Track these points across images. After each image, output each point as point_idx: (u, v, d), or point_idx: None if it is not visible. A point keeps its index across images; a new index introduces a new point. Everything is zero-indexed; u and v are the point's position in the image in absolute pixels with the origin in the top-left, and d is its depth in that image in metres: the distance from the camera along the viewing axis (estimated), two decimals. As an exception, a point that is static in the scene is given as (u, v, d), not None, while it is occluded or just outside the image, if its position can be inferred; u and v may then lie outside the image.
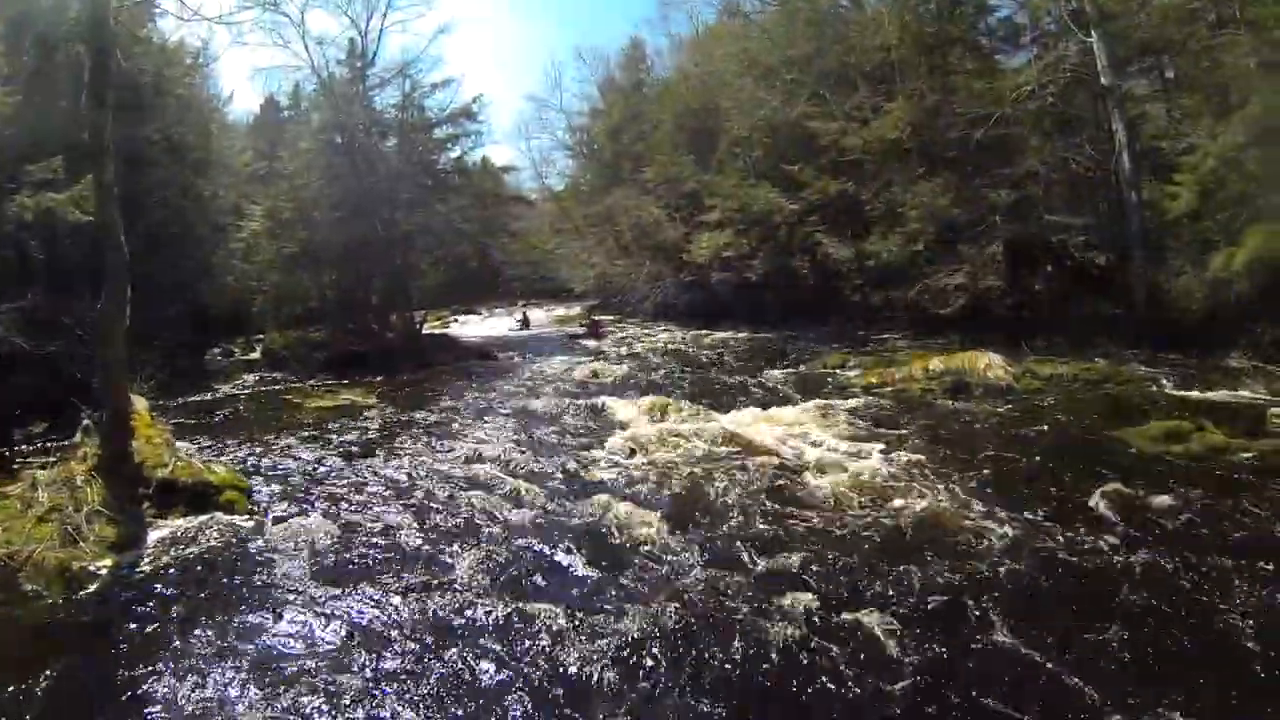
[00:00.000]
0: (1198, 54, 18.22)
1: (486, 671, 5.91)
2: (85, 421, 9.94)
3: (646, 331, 31.98)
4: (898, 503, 9.27)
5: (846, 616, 6.50)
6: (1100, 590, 6.82)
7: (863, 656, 5.95)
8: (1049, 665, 5.70)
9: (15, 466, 11.24)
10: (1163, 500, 8.77)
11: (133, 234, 9.42)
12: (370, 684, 5.76)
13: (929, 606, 6.67)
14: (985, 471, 10.22)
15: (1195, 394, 14.29)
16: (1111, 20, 21.19)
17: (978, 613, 6.52)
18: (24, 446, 13.08)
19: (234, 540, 8.75)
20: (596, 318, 34.12)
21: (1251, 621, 6.14)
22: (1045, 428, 12.62)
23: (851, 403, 14.95)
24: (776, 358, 22.35)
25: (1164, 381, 15.29)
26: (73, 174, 14.90)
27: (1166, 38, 20.22)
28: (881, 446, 11.62)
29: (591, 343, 29.21)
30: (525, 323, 40.98)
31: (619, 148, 47.28)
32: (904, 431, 12.63)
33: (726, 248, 31.94)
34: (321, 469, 11.87)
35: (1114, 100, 20.75)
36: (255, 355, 28.05)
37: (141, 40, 20.00)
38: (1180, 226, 17.88)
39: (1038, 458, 11.01)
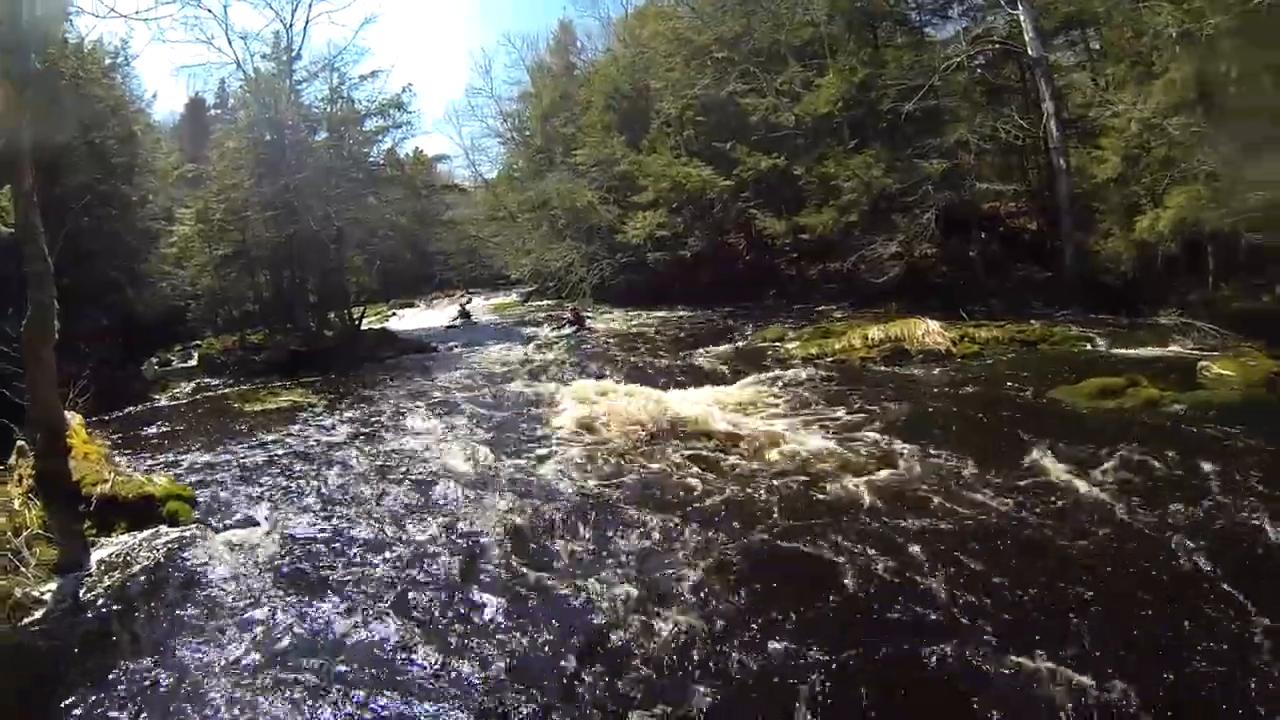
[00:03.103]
0: (1120, 25, 18.55)
1: (434, 674, 5.91)
2: (19, 443, 9.68)
3: (585, 315, 31.84)
4: (836, 469, 9.45)
5: (780, 585, 6.69)
6: (1040, 543, 7.04)
7: (794, 622, 6.10)
8: (988, 625, 5.84)
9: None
10: (1099, 454, 9.03)
11: (55, 243, 9.12)
12: (320, 694, 5.72)
13: (863, 570, 6.80)
14: (924, 434, 10.39)
15: (1126, 352, 14.76)
16: (1038, -7, 21.64)
17: (912, 571, 6.69)
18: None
19: (179, 554, 8.56)
20: (578, 309, 31.09)
21: (1187, 565, 6.43)
22: (983, 390, 12.93)
23: (791, 374, 15.10)
24: (715, 334, 22.56)
25: (1097, 341, 15.76)
26: (-5, 185, 14.41)
27: (1091, 10, 20.61)
28: (821, 416, 11.83)
29: (586, 335, 26.60)
30: (465, 315, 37.58)
31: (550, 132, 46.94)
32: (843, 400, 12.81)
33: (661, 227, 31.85)
34: (264, 473, 11.66)
35: (1041, 70, 21.21)
36: (193, 363, 27.41)
37: (56, 40, 19.36)
38: (1108, 191, 18.27)
39: (977, 418, 11.31)
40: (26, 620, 7.20)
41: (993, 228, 23.83)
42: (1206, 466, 8.41)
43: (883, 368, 15.25)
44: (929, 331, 16.06)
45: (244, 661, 6.23)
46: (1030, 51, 21.27)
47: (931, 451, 9.71)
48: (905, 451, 9.80)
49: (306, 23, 29.61)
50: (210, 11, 29.85)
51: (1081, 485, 8.21)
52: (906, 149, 23.23)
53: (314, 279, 27.88)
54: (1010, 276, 21.74)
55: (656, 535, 8.02)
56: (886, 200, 23.17)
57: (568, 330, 26.75)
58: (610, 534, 8.23)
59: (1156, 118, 16.14)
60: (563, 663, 5.93)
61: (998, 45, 22.70)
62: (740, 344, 20.22)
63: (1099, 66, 22.04)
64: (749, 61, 29.37)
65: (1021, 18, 21.30)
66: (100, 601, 7.56)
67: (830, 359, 16.35)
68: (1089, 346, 15.56)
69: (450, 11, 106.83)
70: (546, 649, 6.13)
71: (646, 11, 41.01)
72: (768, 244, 29.62)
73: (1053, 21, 22.14)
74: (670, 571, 7.21)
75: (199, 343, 29.27)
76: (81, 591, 7.74)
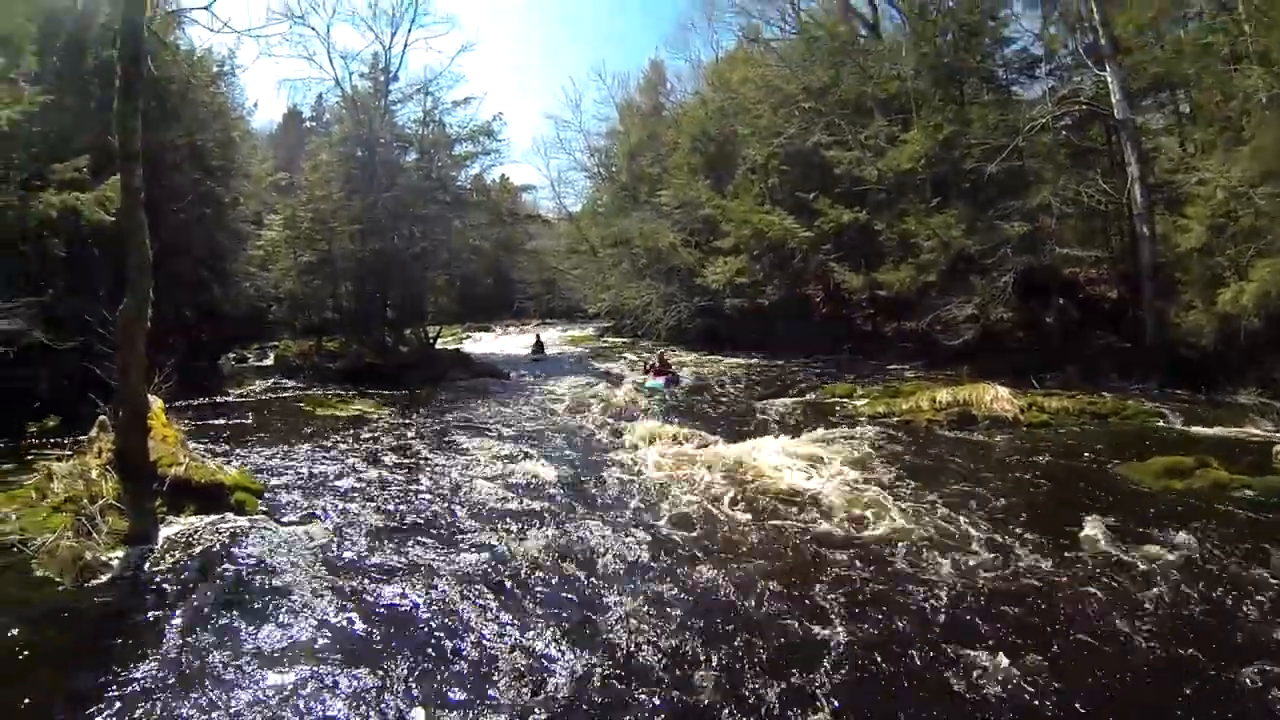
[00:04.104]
0: (1210, 88, 18.28)
1: (491, 674, 6.02)
2: (101, 417, 10.11)
3: (672, 359, 31.86)
4: (894, 531, 9.31)
5: (831, 641, 6.57)
6: (1091, 622, 6.82)
7: (842, 681, 6.00)
8: (1036, 696, 5.73)
9: (29, 458, 11.42)
10: (1159, 535, 8.72)
11: (153, 237, 9.53)
12: (374, 685, 5.85)
13: (913, 633, 6.71)
14: (984, 503, 10.22)
15: (1200, 430, 14.24)
16: (1126, 54, 21.36)
17: (964, 642, 6.54)
18: (37, 440, 13.28)
19: (243, 539, 8.89)
20: (666, 355, 26.89)
21: (1240, 656, 6.16)
22: (1048, 461, 12.56)
23: (857, 432, 14.96)
24: (786, 385, 22.48)
25: (1170, 417, 15.21)
26: (98, 174, 15.15)
27: (1180, 71, 20.33)
28: (882, 476, 11.66)
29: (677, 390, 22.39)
30: (540, 348, 35.73)
31: (636, 170, 47.52)
32: (906, 461, 12.66)
33: (740, 274, 32.06)
34: (331, 475, 12.04)
35: (1127, 133, 20.84)
36: (268, 362, 28.44)
37: (169, 47, 20.31)
38: (1190, 260, 17.85)
39: (1038, 490, 11.04)
40: (93, 583, 7.57)
41: (1072, 294, 23.40)
42: (1270, 558, 8.06)
43: (947, 432, 14.99)
44: (997, 398, 15.80)
45: (292, 649, 6.43)
46: (1117, 114, 20.94)
47: (985, 521, 9.53)
48: (958, 519, 9.61)
49: (405, 46, 30.92)
50: (314, 30, 31.27)
51: (1138, 570, 7.87)
52: (988, 210, 22.95)
53: (394, 294, 28.58)
54: (1087, 345, 21.26)
55: (701, 581, 7.95)
56: (965, 261, 22.91)
57: (656, 383, 22.64)
58: (663, 570, 8.29)
59: (1243, 186, 15.80)
60: (600, 680, 6.01)
61: (1084, 106, 22.43)
62: (810, 397, 20.07)
63: (1188, 130, 21.70)
64: (835, 113, 29.44)
65: (1109, 79, 21.01)
66: (163, 574, 7.89)
67: (896, 419, 16.13)
68: (1161, 423, 15.01)
69: (543, 44, 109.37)
70: (584, 663, 6.23)
71: (736, 56, 41.46)
72: (845, 298, 29.58)
73: (1141, 82, 21.73)
74: (711, 620, 7.28)
75: (276, 344, 30.39)
76: (147, 563, 8.08)
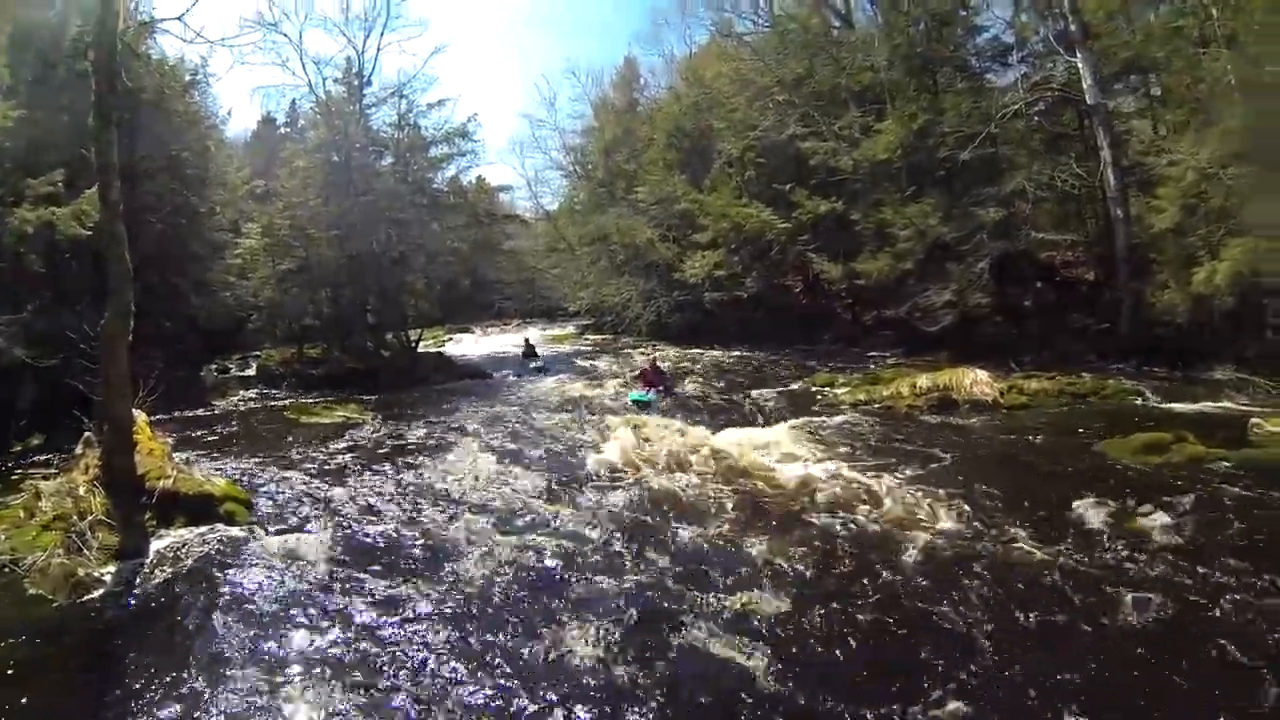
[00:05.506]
0: (1179, 71, 18.47)
1: (477, 681, 6.03)
2: (86, 433, 10.08)
3: (641, 351, 31.77)
4: (877, 515, 9.39)
5: (814, 627, 6.64)
6: (1074, 598, 6.89)
7: (821, 666, 6.07)
8: (1022, 675, 5.80)
9: (15, 478, 11.39)
10: (1140, 508, 8.82)
11: (130, 250, 9.51)
12: (365, 695, 5.87)
13: (898, 617, 6.77)
14: (965, 485, 10.27)
15: (1178, 406, 14.39)
16: (1097, 40, 21.51)
17: (947, 622, 6.62)
18: (22, 459, 13.24)
19: (234, 550, 8.88)
20: (657, 360, 23.25)
21: (1225, 627, 6.24)
22: (1027, 441, 12.73)
23: (837, 420, 15.07)
24: (767, 377, 22.53)
25: (1148, 395, 15.38)
26: (73, 188, 15.06)
27: (1151, 56, 20.51)
28: (863, 461, 11.77)
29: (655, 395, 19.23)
30: (532, 351, 31.03)
31: (612, 166, 47.41)
32: (887, 447, 12.76)
33: (718, 267, 32.14)
34: (318, 483, 12.00)
35: (1099, 118, 21.02)
36: (251, 372, 28.24)
37: (141, 58, 20.17)
38: (1165, 241, 18.04)
39: (1018, 469, 11.18)
40: (87, 598, 7.60)
41: (1048, 277, 23.65)
42: (1243, 528, 8.17)
43: (928, 417, 15.09)
44: (976, 381, 15.92)
45: (285, 657, 6.47)
46: (1089, 98, 21.11)
47: (965, 502, 9.60)
48: (940, 501, 9.71)
49: (378, 50, 30.62)
50: (286, 37, 31.11)
51: (1119, 542, 8.00)
52: (963, 197, 23.14)
53: (373, 299, 28.51)
54: (1065, 327, 21.44)
55: (684, 580, 7.93)
56: (941, 248, 23.07)
57: (642, 395, 19.15)
58: (639, 565, 8.32)
59: (1213, 167, 15.98)
60: (589, 678, 6.06)
61: (1056, 92, 22.59)
62: (792, 387, 20.15)
63: (1159, 113, 21.94)
64: (810, 104, 29.55)
65: (1080, 64, 21.17)
66: (156, 588, 7.91)
67: (877, 406, 16.26)
68: (1140, 401, 15.17)
69: (517, 43, 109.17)
70: (576, 664, 6.27)
71: (709, 51, 41.49)
72: (824, 288, 29.76)
73: (1112, 67, 21.83)
74: (697, 602, 7.37)
75: (258, 353, 30.19)
76: (139, 578, 8.10)
